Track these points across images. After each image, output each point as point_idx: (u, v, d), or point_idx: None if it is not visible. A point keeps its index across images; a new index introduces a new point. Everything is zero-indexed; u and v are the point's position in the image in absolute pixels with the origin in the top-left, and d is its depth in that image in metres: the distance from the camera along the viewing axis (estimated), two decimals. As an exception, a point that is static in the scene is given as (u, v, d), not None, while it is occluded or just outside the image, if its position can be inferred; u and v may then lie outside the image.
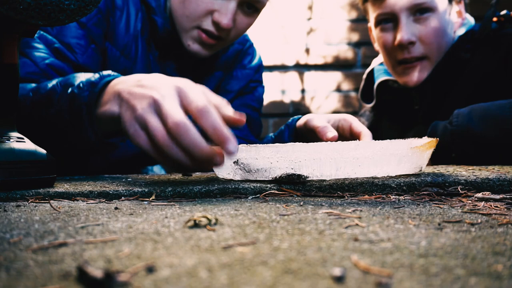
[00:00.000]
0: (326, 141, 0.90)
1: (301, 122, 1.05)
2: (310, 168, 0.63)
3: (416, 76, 1.18)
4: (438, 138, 0.69)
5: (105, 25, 1.00)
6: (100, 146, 0.77)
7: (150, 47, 1.06)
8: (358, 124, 0.95)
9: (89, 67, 0.96)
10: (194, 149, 0.59)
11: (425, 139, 0.68)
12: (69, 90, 0.76)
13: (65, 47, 0.95)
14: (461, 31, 1.22)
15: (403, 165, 0.66)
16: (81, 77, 0.78)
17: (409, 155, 0.65)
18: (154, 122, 0.61)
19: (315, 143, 0.71)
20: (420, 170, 0.69)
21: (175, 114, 0.60)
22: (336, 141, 0.89)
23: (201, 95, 0.62)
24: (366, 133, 0.93)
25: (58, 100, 0.77)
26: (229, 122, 0.63)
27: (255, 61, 1.27)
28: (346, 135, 0.96)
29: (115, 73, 0.77)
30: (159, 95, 0.63)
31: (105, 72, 0.77)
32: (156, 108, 0.62)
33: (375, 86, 1.32)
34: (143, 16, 1.04)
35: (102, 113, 0.73)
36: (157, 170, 1.30)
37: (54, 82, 0.81)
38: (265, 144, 0.70)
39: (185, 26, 1.01)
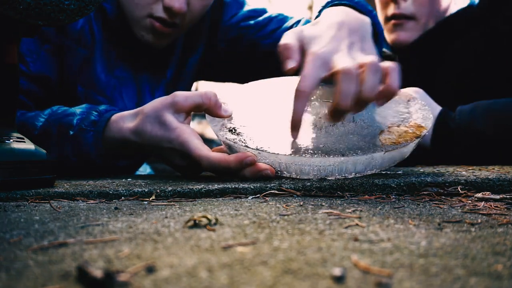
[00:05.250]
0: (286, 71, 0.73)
1: None
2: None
3: (403, 35, 1.15)
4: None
5: None
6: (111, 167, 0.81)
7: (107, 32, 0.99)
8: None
9: (43, 73, 0.93)
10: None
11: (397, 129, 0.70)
12: (71, 132, 0.77)
13: None
14: (462, 5, 1.19)
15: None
16: (75, 115, 0.79)
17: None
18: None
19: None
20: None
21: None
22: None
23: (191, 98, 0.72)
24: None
25: (56, 143, 0.78)
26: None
27: (242, 11, 1.13)
28: None
29: (109, 106, 0.81)
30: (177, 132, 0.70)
31: (101, 108, 0.79)
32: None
33: None
34: None
35: (120, 151, 0.78)
36: (142, 169, 1.30)
37: (41, 119, 0.80)
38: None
39: (136, 15, 0.93)
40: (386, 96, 0.70)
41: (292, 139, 0.69)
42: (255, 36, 1.10)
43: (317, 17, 0.84)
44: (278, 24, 1.10)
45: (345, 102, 0.66)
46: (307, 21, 1.08)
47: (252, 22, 1.11)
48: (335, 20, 0.76)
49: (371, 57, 0.69)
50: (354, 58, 0.69)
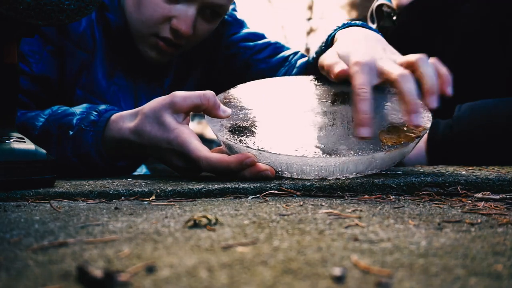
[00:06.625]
0: (334, 78, 0.74)
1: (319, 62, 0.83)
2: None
3: None
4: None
5: None
6: (112, 169, 0.81)
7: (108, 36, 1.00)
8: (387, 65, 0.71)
9: (45, 74, 0.93)
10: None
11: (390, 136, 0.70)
12: (70, 132, 0.77)
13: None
14: None
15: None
16: (75, 115, 0.79)
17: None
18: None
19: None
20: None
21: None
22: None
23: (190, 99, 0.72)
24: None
25: (56, 143, 0.78)
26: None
27: (241, 31, 1.15)
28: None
29: (108, 106, 0.81)
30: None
31: (101, 107, 0.80)
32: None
33: (373, 9, 1.23)
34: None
35: (119, 151, 0.78)
36: (138, 169, 1.31)
37: (41, 119, 0.80)
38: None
39: (142, 32, 0.96)
40: (447, 85, 0.72)
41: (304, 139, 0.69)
42: (251, 58, 1.12)
43: (328, 38, 0.88)
44: (275, 51, 1.13)
45: (414, 102, 0.67)
46: (302, 55, 1.11)
47: (251, 43, 1.13)
48: (357, 36, 0.80)
49: (412, 55, 0.71)
50: (395, 60, 0.72)
